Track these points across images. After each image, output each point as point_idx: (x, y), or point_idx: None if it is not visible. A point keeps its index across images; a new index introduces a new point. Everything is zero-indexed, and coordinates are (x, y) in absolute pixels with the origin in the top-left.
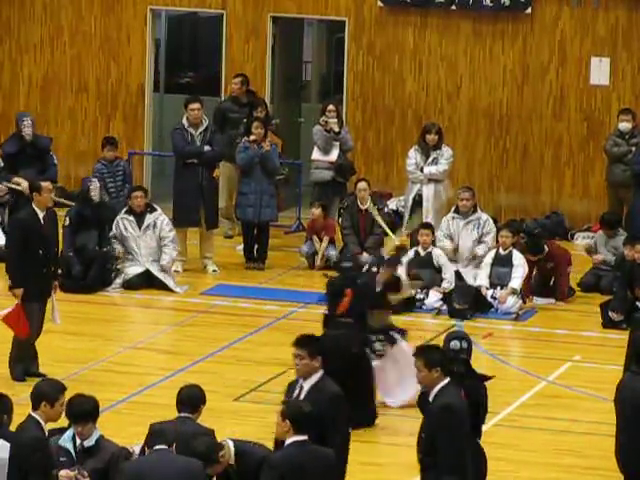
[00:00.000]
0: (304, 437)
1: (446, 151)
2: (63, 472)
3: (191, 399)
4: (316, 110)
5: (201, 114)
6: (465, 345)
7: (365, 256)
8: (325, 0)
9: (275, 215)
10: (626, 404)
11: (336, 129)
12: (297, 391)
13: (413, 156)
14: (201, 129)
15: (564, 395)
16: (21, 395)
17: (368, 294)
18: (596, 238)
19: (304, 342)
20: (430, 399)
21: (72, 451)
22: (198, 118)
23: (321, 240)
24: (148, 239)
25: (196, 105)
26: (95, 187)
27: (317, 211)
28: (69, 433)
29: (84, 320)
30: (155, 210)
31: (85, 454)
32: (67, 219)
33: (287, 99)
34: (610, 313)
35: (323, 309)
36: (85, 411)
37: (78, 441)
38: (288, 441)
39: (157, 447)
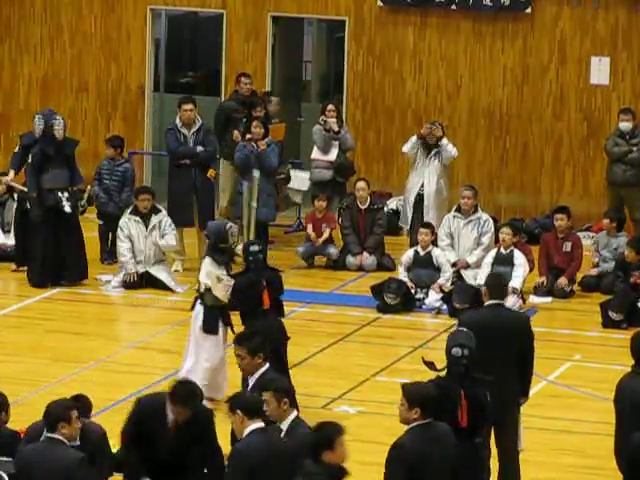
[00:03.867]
0: (262, 424)
1: (448, 144)
2: None
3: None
4: (316, 110)
5: (194, 114)
6: (467, 352)
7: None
8: (325, 0)
9: (272, 215)
10: (626, 403)
11: (335, 128)
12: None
13: (413, 140)
14: (194, 129)
15: (564, 395)
16: (20, 394)
17: (279, 281)
18: (597, 238)
19: (244, 339)
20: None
21: None
22: (191, 119)
23: (320, 234)
24: (152, 240)
25: (189, 106)
26: (59, 124)
27: (324, 204)
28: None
29: (84, 320)
30: (160, 211)
31: None
32: (30, 158)
33: (287, 99)
34: (610, 313)
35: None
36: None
37: None
38: (247, 430)
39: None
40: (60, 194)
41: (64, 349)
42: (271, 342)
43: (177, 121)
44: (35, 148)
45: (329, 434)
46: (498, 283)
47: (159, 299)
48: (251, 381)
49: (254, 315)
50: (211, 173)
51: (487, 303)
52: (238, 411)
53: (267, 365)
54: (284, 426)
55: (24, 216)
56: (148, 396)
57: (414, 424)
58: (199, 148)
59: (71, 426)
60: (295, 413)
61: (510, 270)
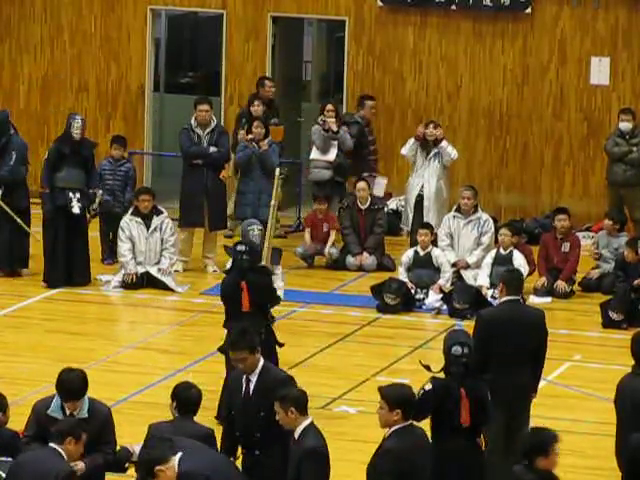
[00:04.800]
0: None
1: (448, 146)
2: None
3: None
4: (316, 110)
5: (210, 115)
6: (466, 350)
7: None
8: (325, 0)
9: None
10: (626, 404)
11: (334, 128)
12: (244, 385)
13: (411, 143)
14: (209, 130)
15: (564, 395)
16: (20, 394)
17: (264, 284)
18: (597, 238)
19: (239, 342)
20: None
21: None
22: (206, 119)
23: (320, 233)
24: (153, 241)
25: (205, 107)
26: (78, 124)
27: (324, 207)
28: (57, 401)
29: (84, 320)
30: (161, 213)
31: None
32: (46, 155)
33: (287, 99)
34: (610, 313)
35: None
36: (75, 389)
37: (68, 411)
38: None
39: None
40: (71, 194)
41: (64, 349)
42: None
43: (192, 121)
44: (52, 146)
45: (546, 440)
46: (514, 279)
47: (159, 299)
48: (253, 377)
49: (234, 316)
50: (224, 174)
51: (504, 299)
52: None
53: (262, 359)
54: (296, 434)
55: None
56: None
57: (396, 427)
58: (212, 148)
59: (77, 445)
60: (308, 420)
61: None
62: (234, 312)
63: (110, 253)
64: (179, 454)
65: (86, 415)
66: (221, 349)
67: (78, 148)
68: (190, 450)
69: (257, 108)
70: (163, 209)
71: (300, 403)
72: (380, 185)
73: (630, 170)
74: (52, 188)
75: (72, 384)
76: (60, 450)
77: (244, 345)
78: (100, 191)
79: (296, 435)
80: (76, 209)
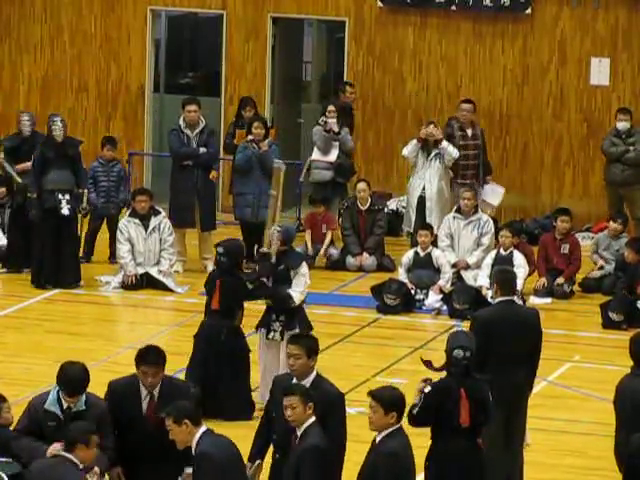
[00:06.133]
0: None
1: (448, 145)
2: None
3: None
4: (316, 110)
5: (198, 115)
6: (468, 354)
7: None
8: (325, 0)
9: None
10: (626, 405)
11: (336, 129)
12: None
13: (414, 144)
14: (197, 130)
15: (564, 395)
16: (21, 395)
17: (237, 288)
18: (598, 239)
19: (301, 339)
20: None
21: (59, 414)
22: (194, 119)
23: (320, 234)
24: (152, 242)
25: (193, 107)
26: (57, 126)
27: (321, 209)
28: (53, 395)
29: (84, 320)
30: (159, 213)
31: (75, 418)
32: (32, 160)
33: (287, 99)
34: (610, 313)
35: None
36: (79, 383)
37: (65, 404)
38: (197, 435)
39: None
40: (60, 196)
41: (64, 350)
42: (200, 345)
43: (180, 122)
44: (36, 151)
45: None
46: (508, 279)
47: (159, 300)
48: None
49: (206, 311)
50: (213, 174)
51: (498, 300)
52: (186, 421)
53: (316, 372)
54: (299, 432)
55: (19, 216)
56: (119, 379)
57: (391, 429)
58: (201, 149)
59: (89, 450)
60: (312, 420)
61: None
62: (207, 307)
63: (86, 254)
64: (204, 429)
65: (84, 407)
66: (196, 335)
67: (62, 149)
68: None
69: (248, 113)
70: (161, 209)
71: (309, 399)
72: (497, 193)
73: (628, 170)
74: (40, 192)
75: (76, 378)
76: (72, 458)
77: (303, 343)
78: (86, 190)
79: (298, 433)
80: (65, 210)
